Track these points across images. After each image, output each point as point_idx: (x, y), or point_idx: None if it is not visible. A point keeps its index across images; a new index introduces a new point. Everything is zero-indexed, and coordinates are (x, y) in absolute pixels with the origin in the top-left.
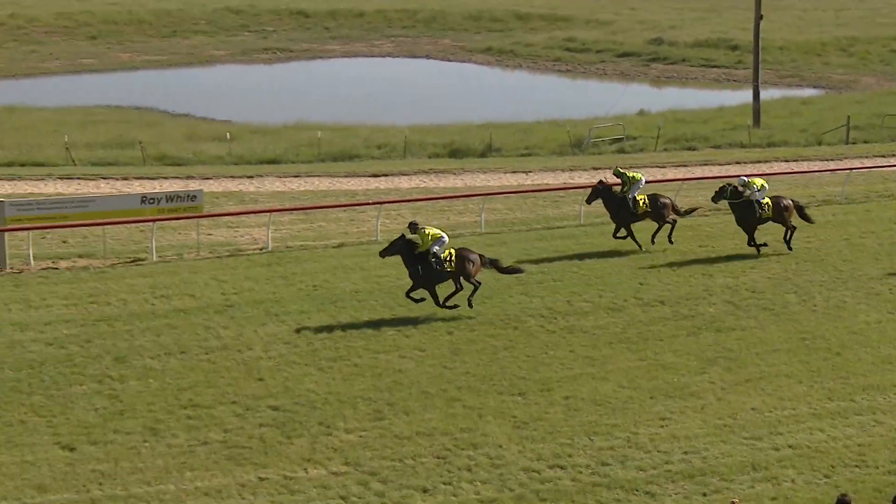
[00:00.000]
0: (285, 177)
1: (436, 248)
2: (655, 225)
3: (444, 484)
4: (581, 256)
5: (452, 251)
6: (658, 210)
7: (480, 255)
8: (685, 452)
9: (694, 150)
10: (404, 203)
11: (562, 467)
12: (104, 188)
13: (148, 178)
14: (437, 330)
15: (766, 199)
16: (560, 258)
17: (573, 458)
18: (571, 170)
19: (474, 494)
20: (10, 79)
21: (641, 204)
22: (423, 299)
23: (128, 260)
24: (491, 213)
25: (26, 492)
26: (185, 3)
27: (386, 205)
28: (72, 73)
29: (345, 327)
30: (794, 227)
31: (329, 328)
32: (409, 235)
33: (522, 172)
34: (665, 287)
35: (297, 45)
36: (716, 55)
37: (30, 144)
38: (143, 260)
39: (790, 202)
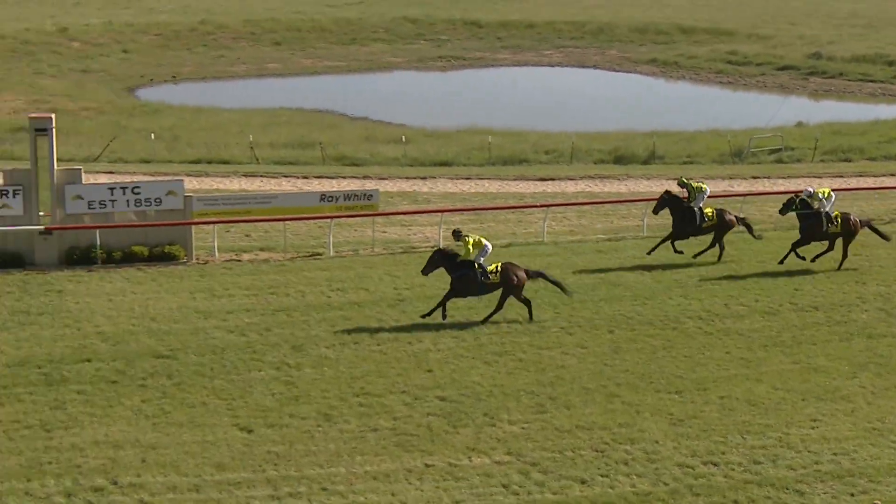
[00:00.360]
0: (457, 179)
1: (481, 259)
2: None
3: (602, 476)
4: (738, 262)
5: (499, 265)
6: (725, 224)
7: (526, 270)
8: (834, 454)
9: (849, 161)
10: (570, 206)
11: (715, 464)
12: (286, 186)
13: (327, 178)
14: (598, 328)
15: (836, 213)
16: (716, 262)
17: (726, 456)
18: (731, 178)
19: (630, 487)
20: (200, 81)
21: (709, 216)
22: (429, 313)
23: (306, 254)
24: (652, 218)
25: (206, 469)
26: (365, 12)
27: (552, 207)
28: (257, 77)
29: (510, 323)
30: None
31: (495, 324)
32: (456, 243)
33: None
34: (819, 293)
35: (470, 53)
36: (873, 70)
37: (217, 143)
38: (320, 255)
39: (857, 218)
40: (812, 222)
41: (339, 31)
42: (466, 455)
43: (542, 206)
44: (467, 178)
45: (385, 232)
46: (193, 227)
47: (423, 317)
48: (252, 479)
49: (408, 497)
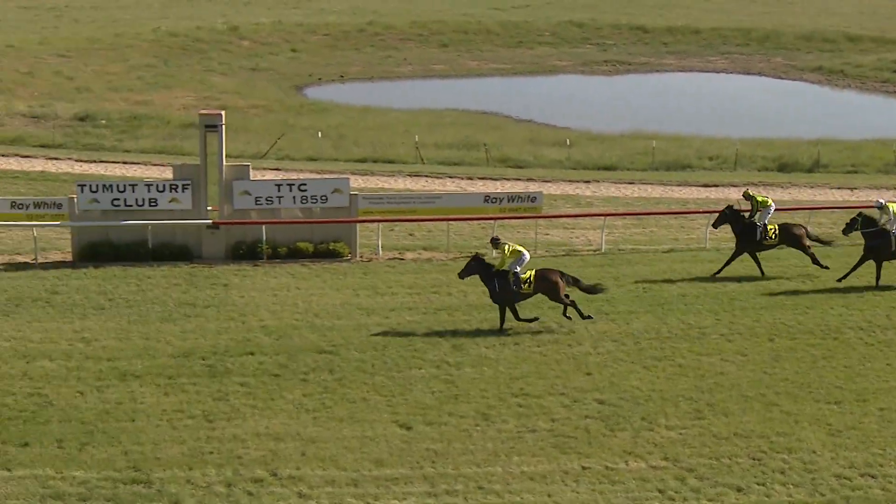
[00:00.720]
0: (620, 183)
1: (517, 268)
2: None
3: (758, 485)
4: None
5: (532, 273)
6: (793, 239)
7: (562, 274)
8: None
9: None
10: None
11: (873, 476)
12: (450, 186)
13: (491, 179)
14: (759, 336)
15: None
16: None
17: (884, 468)
18: None
19: (786, 497)
20: (367, 81)
21: (771, 233)
22: (536, 318)
23: (468, 254)
24: (816, 229)
25: (364, 465)
26: (532, 15)
27: (715, 214)
28: (423, 78)
29: (671, 329)
30: None
31: (656, 329)
32: (494, 251)
33: (847, 189)
34: None
35: (635, 58)
36: None
37: (383, 143)
38: (482, 255)
39: None
40: (879, 242)
41: (505, 33)
42: (623, 459)
43: (705, 212)
44: (630, 183)
45: (548, 234)
46: (358, 224)
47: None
48: (409, 475)
49: (563, 499)
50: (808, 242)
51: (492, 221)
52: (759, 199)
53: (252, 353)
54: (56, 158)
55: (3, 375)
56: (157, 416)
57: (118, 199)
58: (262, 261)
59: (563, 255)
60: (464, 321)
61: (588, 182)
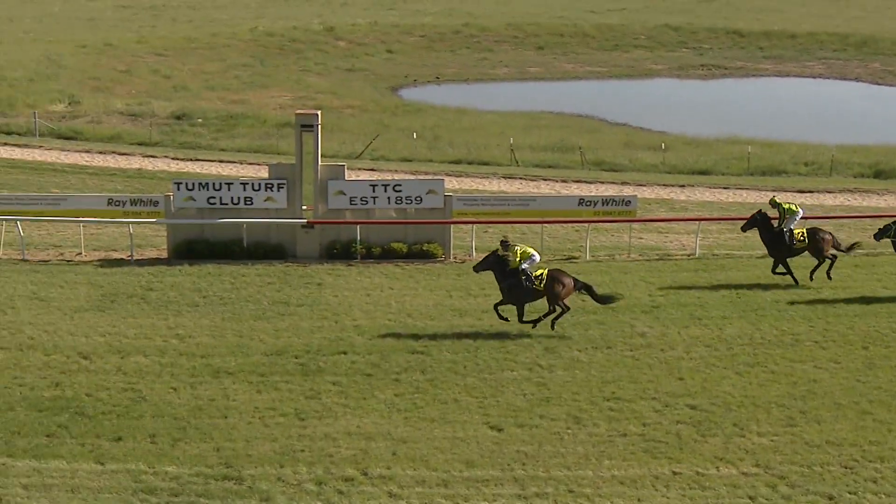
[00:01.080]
0: (715, 188)
1: (525, 266)
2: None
3: (850, 493)
4: None
5: (545, 272)
6: (816, 245)
7: (574, 279)
8: None
9: None
10: (827, 219)
11: None
12: (544, 189)
13: (585, 182)
14: (852, 344)
15: None
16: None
17: None
18: None
19: None
20: (463, 83)
21: (798, 237)
22: (506, 319)
23: (562, 257)
24: None
25: (455, 465)
26: (628, 18)
27: (809, 220)
28: (518, 80)
29: (764, 335)
30: None
31: (749, 335)
32: (503, 253)
33: None
34: None
35: (731, 62)
36: None
37: (477, 144)
38: (576, 258)
39: None
40: None
41: (601, 36)
42: (714, 465)
43: (800, 217)
44: (725, 188)
45: (641, 238)
46: (452, 226)
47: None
48: (500, 477)
49: None
50: (829, 251)
51: (586, 225)
52: (786, 206)
53: (345, 353)
54: (153, 156)
55: (97, 370)
56: (249, 414)
57: (214, 198)
58: (355, 261)
59: (657, 260)
60: (557, 324)
61: (683, 186)
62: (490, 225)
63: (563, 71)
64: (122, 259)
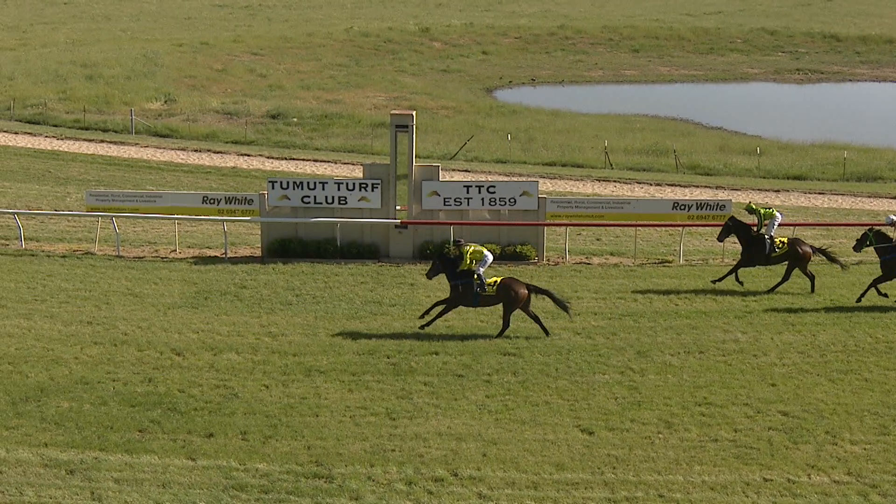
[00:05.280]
0: (810, 193)
1: (480, 270)
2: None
3: None
4: None
5: (498, 279)
6: (797, 256)
7: (528, 285)
8: None
9: None
10: None
11: None
12: (638, 192)
13: (679, 186)
14: None
15: None
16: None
17: None
18: None
19: None
20: (557, 85)
21: (779, 245)
22: (430, 323)
23: (656, 261)
24: None
25: (545, 468)
26: (724, 22)
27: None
28: (613, 83)
29: (858, 342)
30: None
31: (842, 342)
32: (455, 253)
33: None
34: None
35: (827, 67)
36: None
37: (571, 147)
38: (669, 262)
39: None
40: (892, 258)
41: (696, 40)
42: (805, 472)
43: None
44: (820, 193)
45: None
46: (545, 228)
47: (422, 327)
48: (590, 480)
49: None
50: (808, 265)
51: (679, 228)
52: (763, 211)
53: (436, 353)
54: (248, 155)
55: (190, 367)
56: (340, 412)
57: (308, 197)
58: None
59: None
60: (649, 328)
61: (777, 191)
62: (583, 227)
63: (658, 74)
64: (216, 257)
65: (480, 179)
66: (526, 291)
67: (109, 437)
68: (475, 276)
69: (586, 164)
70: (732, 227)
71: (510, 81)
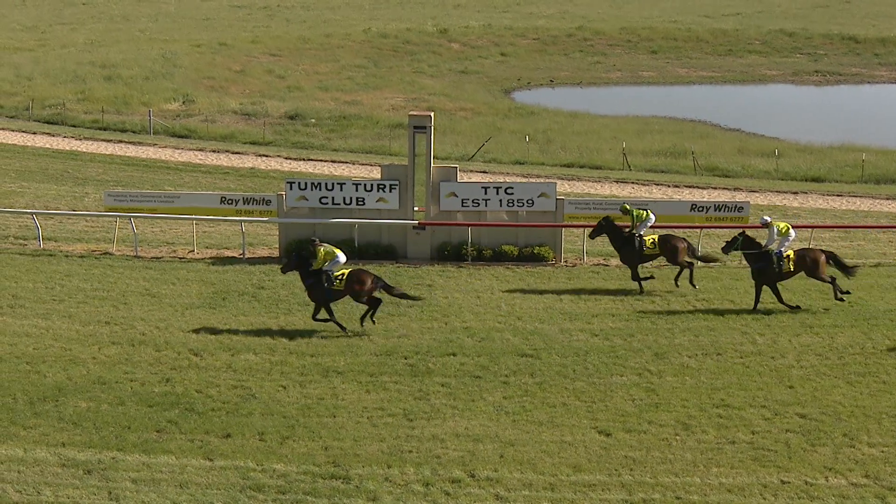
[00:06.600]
0: (828, 195)
1: (328, 267)
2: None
3: None
4: None
5: (346, 271)
6: (669, 252)
7: (375, 278)
8: None
9: None
10: None
11: None
12: (656, 194)
13: (698, 188)
14: None
15: (790, 252)
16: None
17: None
18: None
19: None
20: (576, 86)
21: (649, 244)
22: (328, 319)
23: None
24: None
25: (562, 469)
26: (742, 23)
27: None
28: (632, 85)
29: (876, 344)
30: (831, 280)
31: (860, 344)
32: (313, 251)
33: None
34: None
35: (846, 69)
36: None
37: (589, 148)
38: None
39: (818, 255)
40: (763, 265)
41: (715, 41)
42: (823, 475)
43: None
44: (839, 195)
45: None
46: (563, 229)
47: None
48: (607, 482)
49: None
50: (685, 258)
51: (697, 230)
52: (636, 212)
53: (454, 354)
54: (266, 156)
55: (208, 367)
56: (357, 413)
57: (326, 198)
58: (466, 262)
59: None
60: (666, 330)
61: (796, 193)
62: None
63: (677, 75)
64: (233, 257)
65: (498, 181)
66: (371, 283)
67: (127, 437)
68: (323, 274)
69: (604, 165)
70: (605, 227)
71: (528, 83)
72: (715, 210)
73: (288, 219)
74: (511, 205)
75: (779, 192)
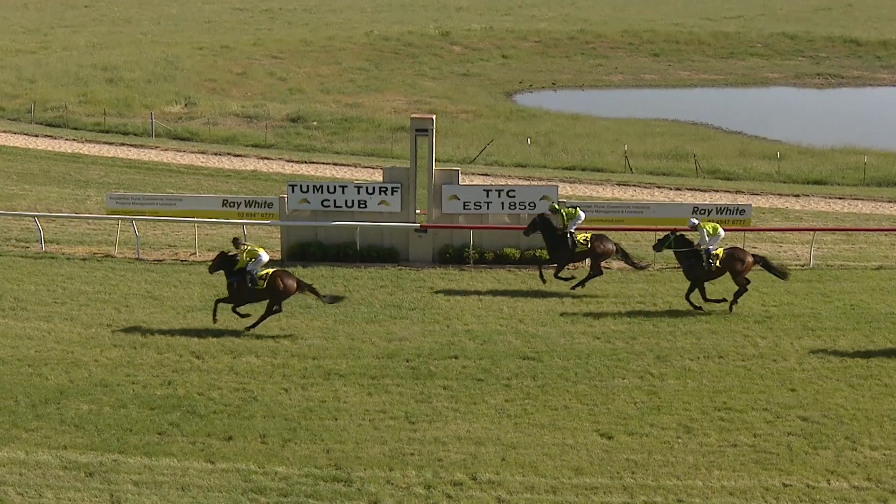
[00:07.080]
0: (830, 198)
1: (255, 269)
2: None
3: None
4: None
5: (269, 272)
6: (595, 254)
7: (298, 281)
8: None
9: None
10: None
11: None
12: (658, 196)
13: (699, 190)
14: None
15: (719, 251)
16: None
17: None
18: None
19: None
20: (577, 89)
21: (581, 241)
22: (248, 315)
23: (675, 265)
24: None
25: (564, 472)
26: (744, 26)
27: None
28: (633, 87)
29: (878, 347)
30: (746, 283)
31: (862, 347)
32: (235, 250)
33: None
34: None
35: (848, 71)
36: None
37: (591, 151)
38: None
39: (745, 256)
40: (693, 263)
41: (717, 44)
42: (825, 478)
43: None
44: (840, 198)
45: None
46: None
47: (242, 316)
48: (609, 485)
49: None
50: (603, 262)
51: None
52: (565, 211)
53: (456, 357)
54: (268, 158)
55: (209, 370)
56: (359, 416)
57: (328, 200)
58: (468, 265)
59: None
60: (668, 333)
61: (798, 196)
62: (603, 231)
63: (679, 78)
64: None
65: (500, 183)
66: (294, 285)
67: (129, 439)
68: (247, 273)
69: (606, 168)
70: (539, 224)
71: (530, 85)
72: (717, 213)
73: (290, 221)
74: (513, 208)
75: (780, 194)
